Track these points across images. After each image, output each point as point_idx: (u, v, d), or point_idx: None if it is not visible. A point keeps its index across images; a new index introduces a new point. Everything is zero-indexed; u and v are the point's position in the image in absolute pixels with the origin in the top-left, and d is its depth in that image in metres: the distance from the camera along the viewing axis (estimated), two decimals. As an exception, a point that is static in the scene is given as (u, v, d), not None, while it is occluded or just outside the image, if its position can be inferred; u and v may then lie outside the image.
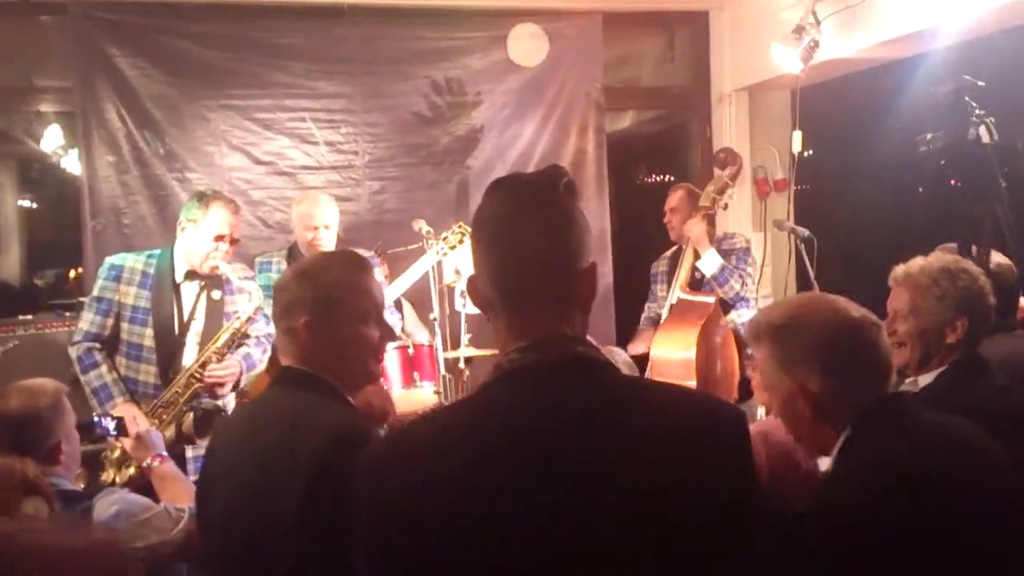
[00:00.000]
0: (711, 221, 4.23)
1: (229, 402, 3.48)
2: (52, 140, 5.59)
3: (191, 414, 3.31)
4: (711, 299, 4.03)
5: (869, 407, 1.64)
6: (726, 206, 4.35)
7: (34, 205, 8.36)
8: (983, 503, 1.56)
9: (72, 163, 5.60)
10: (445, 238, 4.03)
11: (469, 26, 5.19)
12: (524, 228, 1.22)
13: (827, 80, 5.07)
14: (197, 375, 3.33)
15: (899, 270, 2.34)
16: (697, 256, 4.17)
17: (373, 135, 5.09)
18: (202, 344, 3.42)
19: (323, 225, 3.90)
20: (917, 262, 2.33)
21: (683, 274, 4.17)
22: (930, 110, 2.84)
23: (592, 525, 1.08)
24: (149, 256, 3.51)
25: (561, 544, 1.08)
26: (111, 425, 2.81)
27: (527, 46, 5.24)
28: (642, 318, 4.60)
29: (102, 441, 3.25)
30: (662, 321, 4.14)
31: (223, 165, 4.91)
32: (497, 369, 1.20)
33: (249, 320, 3.43)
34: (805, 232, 4.10)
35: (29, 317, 4.64)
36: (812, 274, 3.99)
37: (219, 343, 3.36)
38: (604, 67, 5.40)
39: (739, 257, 4.28)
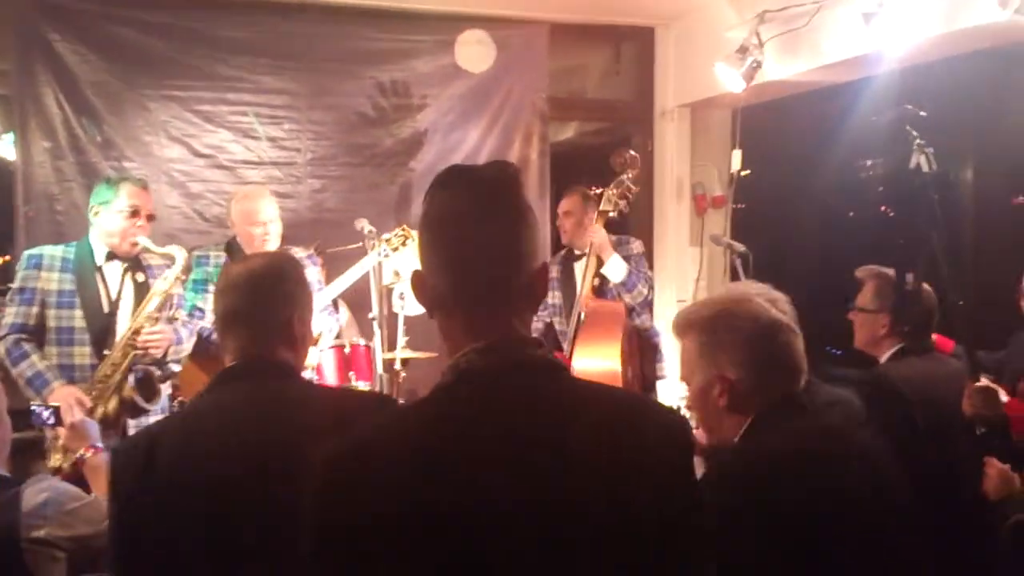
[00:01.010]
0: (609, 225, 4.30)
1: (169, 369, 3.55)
2: (-15, 124, 5.45)
3: (131, 378, 3.34)
4: (620, 304, 4.12)
5: (773, 403, 1.74)
6: (624, 211, 4.41)
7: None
8: (845, 502, 1.65)
9: (6, 148, 5.46)
10: (388, 240, 4.03)
11: (417, 29, 5.18)
12: (484, 226, 1.19)
13: (768, 101, 5.18)
14: (131, 342, 3.35)
15: None
16: (600, 263, 4.20)
17: (316, 133, 5.05)
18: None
19: (269, 220, 3.88)
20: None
21: (587, 282, 4.21)
22: (870, 136, 2.92)
23: (555, 526, 1.09)
24: (67, 246, 3.51)
25: (526, 544, 1.08)
26: (47, 414, 2.77)
27: (474, 52, 5.26)
28: (555, 325, 4.58)
29: (38, 429, 3.19)
30: (575, 331, 4.17)
31: (162, 156, 4.82)
32: (454, 370, 1.18)
33: (178, 280, 3.49)
34: (741, 247, 4.19)
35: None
36: (746, 288, 4.08)
37: (150, 307, 3.39)
38: (550, 77, 5.44)
39: (637, 262, 4.32)
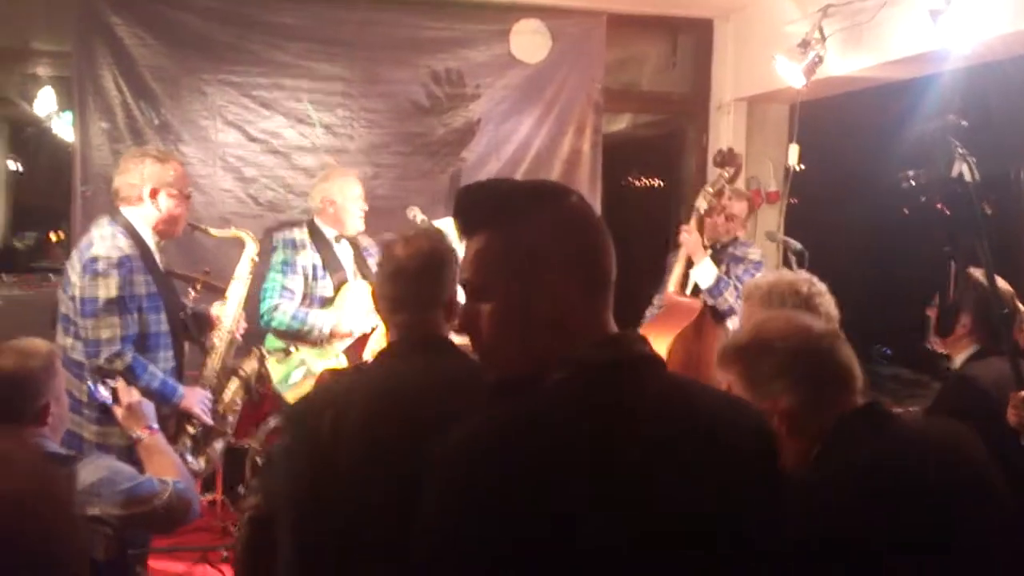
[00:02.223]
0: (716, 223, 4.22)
1: None
2: (45, 104, 5.55)
3: (253, 361, 3.44)
4: (698, 303, 4.03)
5: (844, 418, 1.65)
6: (727, 211, 4.27)
7: (21, 168, 8.31)
8: (954, 504, 1.59)
9: (64, 128, 5.57)
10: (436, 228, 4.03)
11: (473, 18, 5.17)
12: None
13: (827, 96, 5.08)
14: (232, 331, 3.43)
15: None
16: (690, 263, 4.13)
17: (369, 120, 5.07)
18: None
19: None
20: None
21: (674, 277, 4.15)
22: (915, 144, 2.87)
23: (666, 522, 1.14)
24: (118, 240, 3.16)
25: (644, 542, 1.12)
26: (105, 392, 2.77)
27: (530, 42, 5.23)
28: (646, 312, 4.50)
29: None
30: (648, 320, 4.14)
31: (217, 140, 4.88)
32: (568, 363, 1.21)
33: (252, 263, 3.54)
34: (797, 245, 4.11)
35: (13, 279, 4.62)
36: (801, 288, 4.00)
37: (241, 295, 3.47)
38: (605, 68, 5.39)
39: (746, 269, 4.18)
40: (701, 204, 4.12)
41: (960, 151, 2.60)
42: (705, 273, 4.08)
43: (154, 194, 3.19)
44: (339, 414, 1.67)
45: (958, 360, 2.88)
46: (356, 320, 3.92)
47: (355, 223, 4.05)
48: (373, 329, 3.92)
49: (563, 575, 1.08)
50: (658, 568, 1.13)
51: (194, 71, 4.82)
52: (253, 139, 4.93)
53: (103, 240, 3.11)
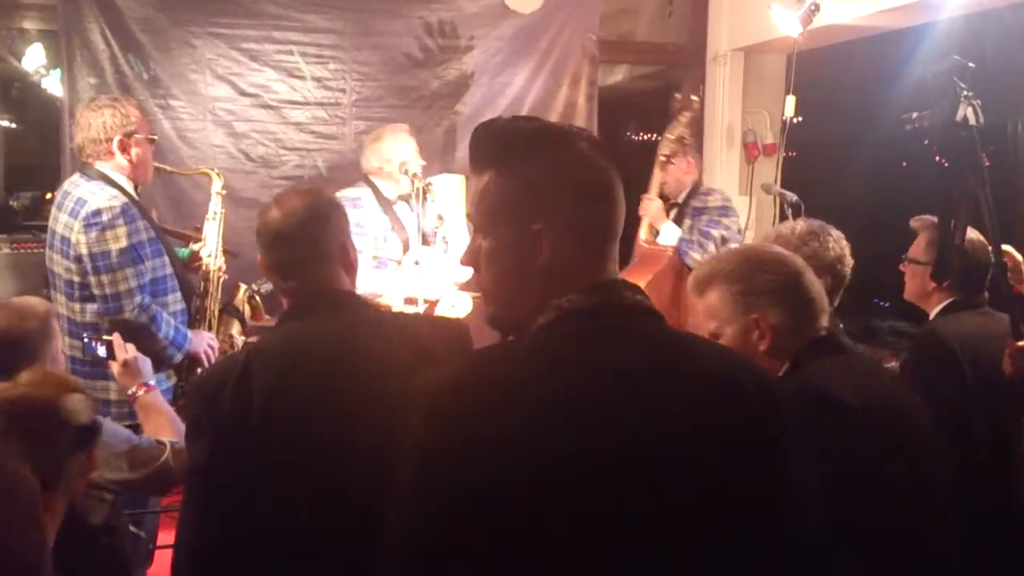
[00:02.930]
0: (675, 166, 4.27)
1: None
2: (34, 59, 5.48)
3: (242, 295, 3.46)
4: (669, 249, 4.11)
5: (810, 342, 1.80)
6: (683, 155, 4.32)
7: (14, 125, 8.23)
8: (904, 436, 1.70)
9: (54, 84, 5.50)
10: (428, 185, 4.01)
11: (465, -33, 5.08)
12: (613, 180, 1.26)
13: (824, 46, 5.02)
14: (217, 271, 3.41)
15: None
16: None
17: (362, 74, 5.00)
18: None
19: None
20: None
21: (643, 227, 4.25)
22: (921, 88, 2.82)
23: (656, 469, 1.10)
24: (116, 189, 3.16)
25: (629, 488, 1.09)
26: (101, 348, 2.72)
27: (523, -8, 5.15)
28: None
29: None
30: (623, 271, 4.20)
31: (207, 94, 4.81)
32: (556, 309, 1.19)
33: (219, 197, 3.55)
34: (793, 197, 4.09)
35: (3, 236, 4.59)
36: (795, 240, 3.99)
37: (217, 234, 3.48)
38: (600, 18, 5.31)
39: (711, 217, 4.24)
40: (663, 151, 4.15)
41: (966, 94, 2.56)
42: (669, 237, 4.15)
43: (122, 145, 3.15)
44: (239, 383, 1.66)
45: (932, 312, 2.87)
46: (426, 285, 3.92)
47: (411, 176, 3.97)
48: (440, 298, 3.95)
49: (533, 546, 1.06)
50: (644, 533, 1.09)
51: (182, 23, 4.74)
52: (244, 93, 4.86)
53: (94, 194, 3.06)
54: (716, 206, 4.30)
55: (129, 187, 3.18)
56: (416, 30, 5.04)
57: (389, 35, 5.02)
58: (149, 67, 4.71)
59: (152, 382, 2.61)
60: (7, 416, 1.62)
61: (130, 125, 3.16)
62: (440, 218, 4.01)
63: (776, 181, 5.01)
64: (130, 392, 2.57)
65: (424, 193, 3.98)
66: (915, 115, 2.68)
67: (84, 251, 3.03)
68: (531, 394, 1.11)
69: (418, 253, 3.98)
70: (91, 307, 3.07)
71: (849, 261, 2.46)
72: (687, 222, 4.26)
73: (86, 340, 2.75)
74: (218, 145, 4.83)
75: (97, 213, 3.02)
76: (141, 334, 2.98)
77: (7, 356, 2.14)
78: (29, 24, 5.08)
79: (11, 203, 7.94)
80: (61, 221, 3.13)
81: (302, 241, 1.82)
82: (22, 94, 7.17)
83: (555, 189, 1.22)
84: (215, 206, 3.51)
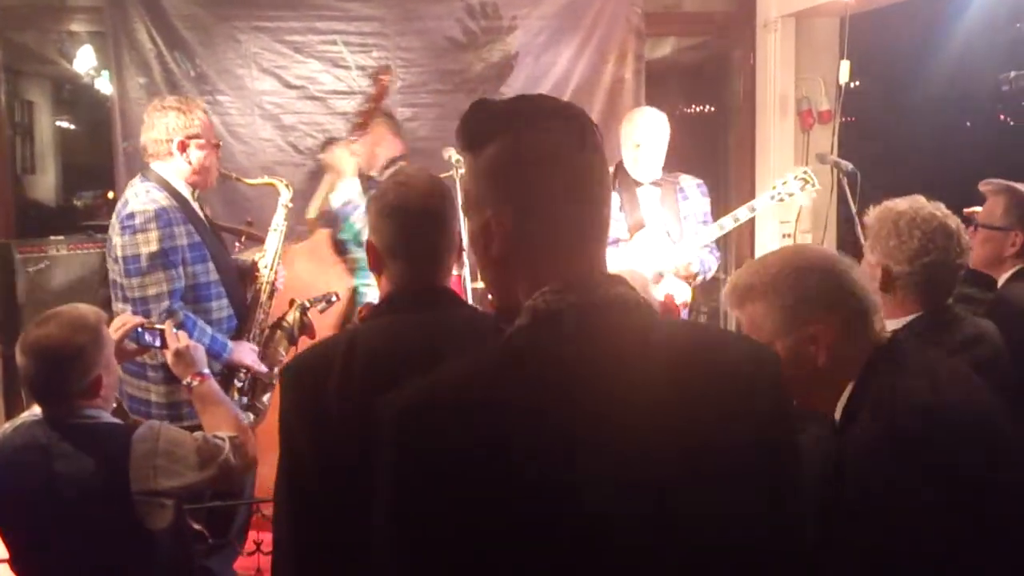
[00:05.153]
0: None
1: None
2: (84, 60, 5.56)
3: (295, 312, 3.40)
4: None
5: (875, 350, 1.64)
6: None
7: (70, 126, 8.39)
8: (992, 439, 1.57)
9: (104, 84, 5.58)
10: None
11: (506, -54, 5.01)
12: (587, 164, 1.15)
13: (878, 8, 4.85)
14: (271, 281, 3.37)
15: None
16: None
17: (406, 60, 4.97)
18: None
19: None
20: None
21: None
22: (987, 45, 2.70)
23: (644, 472, 1.05)
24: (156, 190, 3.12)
25: (616, 494, 1.04)
26: (152, 337, 2.65)
27: (565, -33, 5.05)
28: None
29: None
30: None
31: (254, 88, 4.84)
32: (530, 312, 1.12)
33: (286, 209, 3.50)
34: (849, 166, 3.96)
35: (60, 238, 4.67)
36: (855, 209, 3.86)
37: (277, 246, 3.42)
38: (644, -9, 5.20)
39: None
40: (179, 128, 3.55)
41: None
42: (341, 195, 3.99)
43: (183, 147, 3.13)
44: (341, 374, 1.59)
45: (1001, 279, 2.76)
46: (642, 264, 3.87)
47: (656, 164, 3.91)
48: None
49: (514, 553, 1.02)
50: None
51: (226, 18, 4.77)
52: (290, 85, 4.88)
53: (136, 197, 3.07)
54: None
55: (186, 190, 3.17)
56: (458, 13, 4.99)
57: (431, 19, 4.98)
58: (195, 64, 4.75)
59: (207, 371, 2.56)
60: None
61: (193, 128, 3.14)
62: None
63: (832, 150, 4.88)
64: (185, 382, 2.54)
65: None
66: (1013, 74, 2.56)
67: (119, 253, 3.05)
68: (505, 407, 1.05)
69: (646, 235, 3.91)
70: (128, 308, 3.05)
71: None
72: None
73: (138, 330, 2.67)
74: (267, 139, 4.85)
75: (131, 216, 3.02)
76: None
77: (64, 373, 2.15)
78: (78, 27, 5.14)
79: (74, 202, 8.11)
80: (113, 219, 3.17)
81: (429, 220, 1.74)
82: (74, 96, 7.31)
83: (508, 175, 1.15)
84: (279, 218, 3.46)
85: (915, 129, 5.47)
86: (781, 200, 3.88)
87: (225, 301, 3.21)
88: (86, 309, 2.27)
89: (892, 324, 1.99)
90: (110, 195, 7.70)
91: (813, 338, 1.64)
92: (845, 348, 1.64)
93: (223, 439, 2.27)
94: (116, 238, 3.07)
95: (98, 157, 6.46)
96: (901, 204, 2.22)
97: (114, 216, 3.16)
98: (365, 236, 2.82)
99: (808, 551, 1.19)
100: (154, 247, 3.00)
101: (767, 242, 5.21)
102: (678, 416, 1.07)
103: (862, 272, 1.72)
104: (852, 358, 1.64)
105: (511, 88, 5.04)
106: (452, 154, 3.98)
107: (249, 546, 3.36)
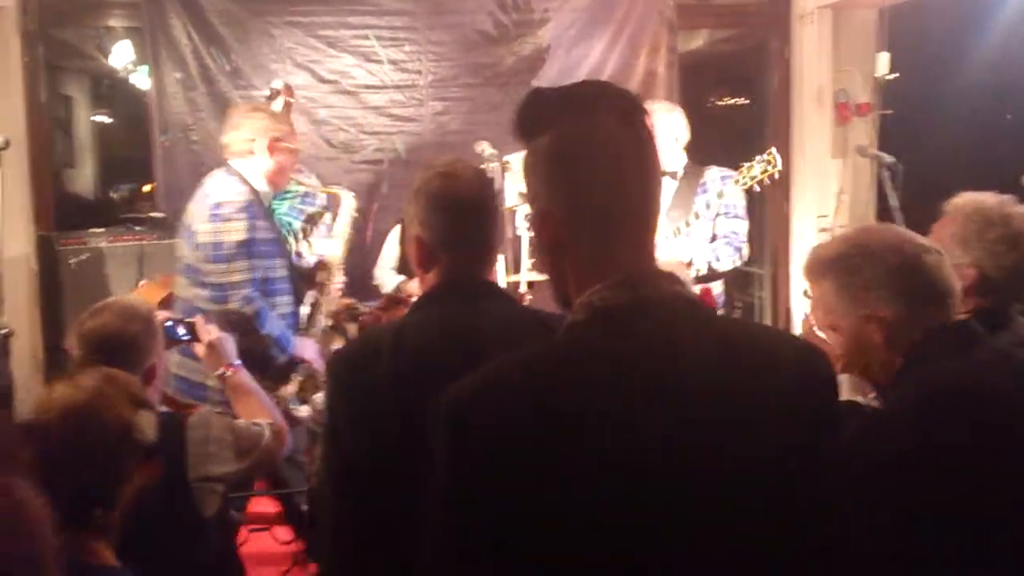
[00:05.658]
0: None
1: None
2: (122, 56, 5.62)
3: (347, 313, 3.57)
4: None
5: (934, 332, 1.64)
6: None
7: (107, 120, 8.49)
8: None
9: (142, 79, 5.64)
10: (507, 163, 3.95)
11: (537, -61, 4.98)
12: (631, 158, 1.15)
13: (917, -2, 4.77)
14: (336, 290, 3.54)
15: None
16: None
17: (437, 54, 4.97)
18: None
19: None
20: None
21: None
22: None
23: (698, 471, 1.05)
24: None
25: (667, 491, 1.04)
26: (183, 331, 2.69)
27: (597, -41, 5.01)
28: None
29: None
30: None
31: (288, 83, 4.85)
32: (587, 308, 1.12)
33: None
34: (889, 158, 3.90)
35: (101, 230, 4.73)
36: (896, 203, 3.80)
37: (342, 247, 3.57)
38: (678, -18, 5.15)
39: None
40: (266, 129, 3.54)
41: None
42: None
43: (271, 147, 3.30)
44: (389, 363, 1.59)
45: None
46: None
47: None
48: None
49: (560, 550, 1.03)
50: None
51: (261, 14, 4.80)
52: (323, 80, 4.90)
53: (221, 188, 3.23)
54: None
55: (263, 188, 3.32)
56: (489, 6, 4.98)
57: (462, 13, 4.98)
58: (231, 59, 4.78)
59: (238, 362, 2.61)
60: (66, 428, 1.61)
61: (277, 131, 3.33)
62: (521, 196, 3.96)
63: (872, 143, 4.81)
64: (217, 373, 2.58)
65: (503, 172, 3.93)
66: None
67: (203, 240, 3.16)
68: (562, 402, 1.06)
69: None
70: (205, 293, 3.18)
71: None
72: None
73: (168, 324, 2.69)
74: (301, 133, 4.82)
75: (219, 205, 3.16)
76: (245, 327, 3.10)
77: (119, 363, 2.13)
78: (115, 22, 5.19)
79: (112, 196, 8.21)
80: (189, 210, 3.33)
81: (481, 212, 1.74)
82: (112, 90, 7.39)
83: (557, 167, 1.16)
84: (344, 225, 3.58)
85: (954, 122, 5.37)
86: (747, 187, 3.84)
87: (289, 298, 3.35)
88: (136, 300, 2.36)
89: None
90: (147, 188, 7.80)
91: (876, 318, 1.65)
92: (907, 331, 1.65)
93: (262, 426, 2.32)
94: (201, 225, 3.19)
95: (136, 151, 6.53)
96: (989, 200, 2.18)
97: (193, 204, 3.31)
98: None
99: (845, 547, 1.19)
100: (241, 236, 3.15)
101: (804, 236, 5.15)
102: (730, 414, 1.07)
103: (945, 263, 1.69)
104: (911, 341, 1.65)
105: (543, 81, 5.01)
106: (485, 148, 3.98)
107: (286, 535, 3.39)
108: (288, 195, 3.85)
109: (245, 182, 3.26)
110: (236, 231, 3.14)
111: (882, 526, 1.45)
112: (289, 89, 4.15)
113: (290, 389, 3.31)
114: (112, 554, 1.66)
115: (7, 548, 0.76)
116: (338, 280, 3.55)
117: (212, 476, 2.17)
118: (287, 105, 4.06)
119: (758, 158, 3.83)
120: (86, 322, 2.22)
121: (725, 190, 3.95)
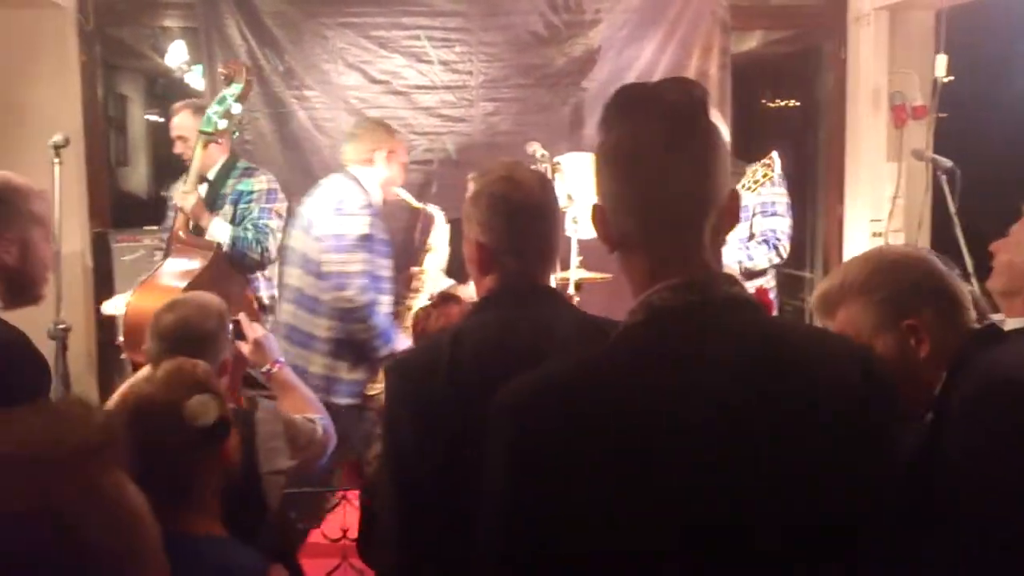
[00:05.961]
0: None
1: None
2: (176, 55, 5.70)
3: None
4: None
5: (974, 334, 1.64)
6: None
7: (161, 119, 8.61)
8: None
9: (196, 79, 5.71)
10: (557, 164, 3.94)
11: (590, -60, 4.96)
12: (675, 157, 1.13)
13: (975, 0, 4.67)
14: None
15: None
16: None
17: (488, 55, 4.97)
18: None
19: None
20: None
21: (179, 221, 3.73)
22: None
23: (755, 472, 1.05)
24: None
25: (723, 491, 1.04)
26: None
27: (650, -40, 4.98)
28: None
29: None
30: None
31: (340, 83, 4.89)
32: (645, 308, 1.12)
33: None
34: (947, 162, 3.83)
35: (155, 228, 4.80)
36: (953, 208, 3.72)
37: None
38: (732, -17, 5.10)
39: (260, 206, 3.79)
40: (207, 127, 3.71)
41: None
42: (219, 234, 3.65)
43: (390, 156, 3.69)
44: (448, 368, 1.59)
45: None
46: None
47: None
48: None
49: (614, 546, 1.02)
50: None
51: (314, 15, 4.84)
52: (374, 80, 4.92)
53: (345, 186, 3.61)
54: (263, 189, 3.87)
55: (377, 194, 3.68)
56: (540, 7, 4.96)
57: (514, 14, 4.97)
58: (284, 59, 4.83)
59: (282, 359, 2.65)
60: (143, 420, 1.64)
61: (393, 144, 3.68)
62: (570, 198, 3.94)
63: (928, 146, 4.72)
64: (263, 369, 2.61)
65: (553, 173, 3.92)
66: None
67: (325, 231, 3.48)
68: (619, 402, 1.06)
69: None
70: (322, 284, 3.48)
71: None
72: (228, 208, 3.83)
73: None
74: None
75: (343, 200, 3.53)
76: (355, 316, 3.40)
77: (193, 355, 2.15)
78: (170, 22, 5.27)
79: (164, 194, 8.32)
80: (307, 203, 3.71)
81: (542, 215, 1.73)
82: (166, 90, 7.48)
83: (616, 167, 1.16)
84: (443, 241, 3.81)
85: (1012, 125, 5.25)
86: (750, 190, 3.89)
87: (390, 297, 3.60)
88: (209, 296, 2.37)
89: (1013, 323, 1.94)
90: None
91: (913, 330, 1.63)
92: (945, 337, 1.63)
93: (315, 421, 2.34)
94: (324, 218, 3.54)
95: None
96: None
97: (310, 199, 3.73)
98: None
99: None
100: (364, 230, 3.49)
101: (857, 240, 5.07)
102: (787, 419, 1.07)
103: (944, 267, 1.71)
104: (953, 347, 1.63)
105: (594, 82, 5.00)
106: (537, 148, 3.97)
107: (335, 532, 3.42)
108: (252, 194, 3.84)
109: (361, 186, 3.59)
110: (359, 225, 3.46)
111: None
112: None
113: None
114: (218, 525, 1.68)
115: (112, 545, 0.78)
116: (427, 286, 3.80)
117: (279, 469, 2.20)
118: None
119: (759, 163, 3.92)
120: (161, 317, 2.25)
121: (764, 188, 3.97)
